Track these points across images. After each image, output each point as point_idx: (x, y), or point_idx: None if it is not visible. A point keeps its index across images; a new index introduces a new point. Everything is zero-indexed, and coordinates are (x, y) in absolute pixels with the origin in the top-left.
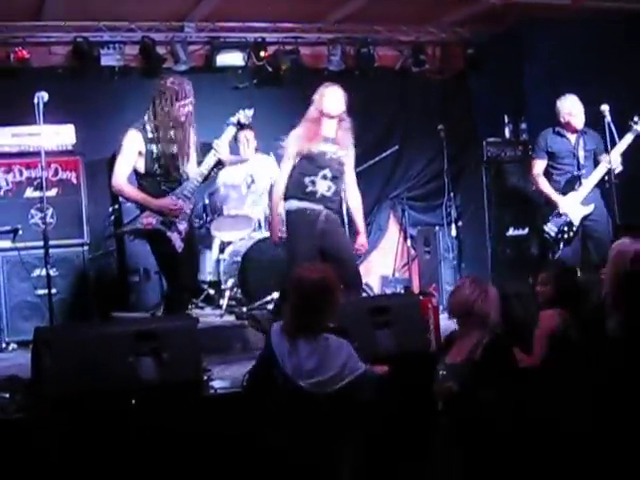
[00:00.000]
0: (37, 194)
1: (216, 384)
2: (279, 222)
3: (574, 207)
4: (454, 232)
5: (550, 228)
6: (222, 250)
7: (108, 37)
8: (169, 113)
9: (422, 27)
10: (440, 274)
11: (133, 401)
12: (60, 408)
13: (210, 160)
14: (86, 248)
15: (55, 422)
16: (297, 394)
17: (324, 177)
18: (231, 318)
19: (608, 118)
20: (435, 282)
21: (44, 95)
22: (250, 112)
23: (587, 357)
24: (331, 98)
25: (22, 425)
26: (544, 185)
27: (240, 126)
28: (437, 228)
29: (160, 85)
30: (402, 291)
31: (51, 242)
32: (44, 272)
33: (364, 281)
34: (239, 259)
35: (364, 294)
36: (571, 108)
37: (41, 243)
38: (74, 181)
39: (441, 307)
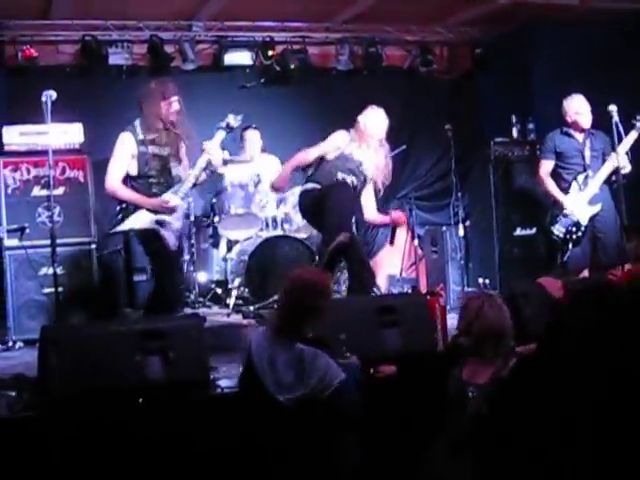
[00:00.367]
0: (44, 192)
1: (222, 383)
2: (288, 173)
3: (581, 207)
4: (461, 232)
5: (558, 229)
6: (229, 249)
7: (116, 36)
8: (158, 114)
9: (430, 27)
10: (447, 274)
11: (140, 400)
12: (66, 406)
13: (201, 161)
14: (93, 247)
15: (61, 420)
16: (276, 408)
17: (352, 182)
18: (238, 317)
19: (616, 118)
20: (442, 282)
21: (52, 94)
22: (239, 117)
23: None
24: (376, 122)
25: (29, 423)
26: (551, 186)
27: (230, 129)
28: (444, 228)
29: (145, 88)
30: (409, 291)
31: (58, 240)
32: (51, 270)
33: None
34: (246, 258)
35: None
36: (578, 108)
37: (48, 241)
38: (81, 180)
39: (448, 307)
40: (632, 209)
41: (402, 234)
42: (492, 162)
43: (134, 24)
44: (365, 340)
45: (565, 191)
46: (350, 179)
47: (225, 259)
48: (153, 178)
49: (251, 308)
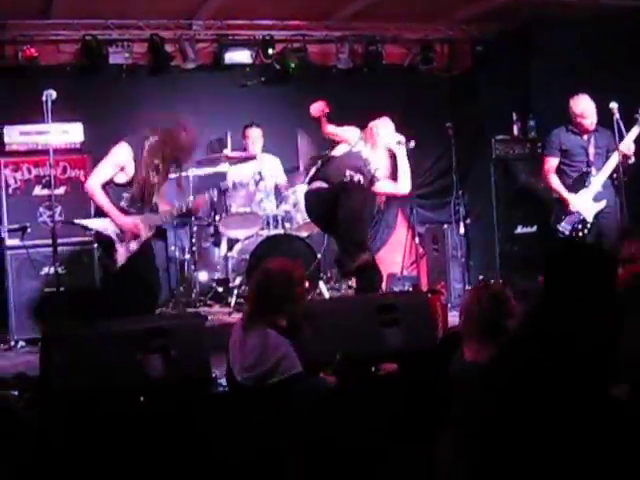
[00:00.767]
0: (45, 192)
1: (224, 381)
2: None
3: (586, 204)
4: (462, 230)
5: (564, 227)
6: (230, 248)
7: (116, 35)
8: (180, 148)
9: (430, 25)
10: (448, 272)
11: (141, 398)
12: (68, 405)
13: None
14: (94, 246)
15: (63, 419)
16: (236, 388)
17: (359, 180)
18: (239, 316)
19: (617, 116)
20: (443, 280)
21: (52, 93)
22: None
23: None
24: (388, 130)
25: (31, 422)
26: (555, 183)
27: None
28: (445, 226)
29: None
30: (410, 289)
31: (59, 240)
32: (52, 270)
33: None
34: (247, 257)
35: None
36: (583, 110)
37: (49, 241)
38: (82, 179)
39: (449, 305)
40: (634, 203)
41: (402, 232)
42: (493, 160)
43: (134, 23)
44: (366, 338)
45: (568, 188)
46: (358, 177)
47: (226, 258)
48: (135, 197)
49: None
